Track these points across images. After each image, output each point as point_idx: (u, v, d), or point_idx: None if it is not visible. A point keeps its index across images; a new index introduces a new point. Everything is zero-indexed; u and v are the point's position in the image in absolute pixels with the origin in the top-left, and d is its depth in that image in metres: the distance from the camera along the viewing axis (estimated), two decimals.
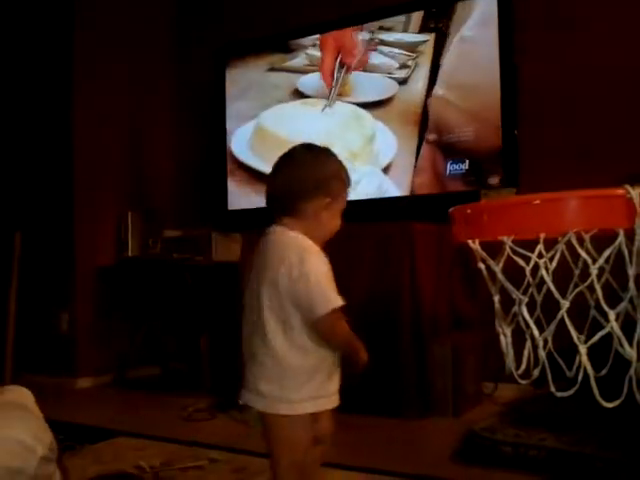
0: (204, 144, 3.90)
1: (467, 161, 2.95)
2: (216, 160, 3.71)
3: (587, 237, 0.95)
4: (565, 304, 0.92)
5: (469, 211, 1.05)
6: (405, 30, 3.16)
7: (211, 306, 3.42)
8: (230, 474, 2.08)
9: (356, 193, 3.25)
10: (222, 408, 2.89)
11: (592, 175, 2.50)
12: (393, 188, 3.14)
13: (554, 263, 0.96)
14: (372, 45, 3.24)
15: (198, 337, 3.45)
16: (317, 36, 3.39)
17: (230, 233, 3.46)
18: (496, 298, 1.04)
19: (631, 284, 0.90)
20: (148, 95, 4.03)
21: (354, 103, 3.29)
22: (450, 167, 3.00)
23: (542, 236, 0.94)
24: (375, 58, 3.23)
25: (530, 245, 0.97)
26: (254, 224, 3.48)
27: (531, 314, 0.99)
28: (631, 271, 0.90)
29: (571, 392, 0.93)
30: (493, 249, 1.03)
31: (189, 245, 3.61)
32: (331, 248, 2.95)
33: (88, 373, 3.62)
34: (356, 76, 3.29)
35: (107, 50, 3.78)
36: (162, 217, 3.92)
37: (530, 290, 0.99)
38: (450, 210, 1.11)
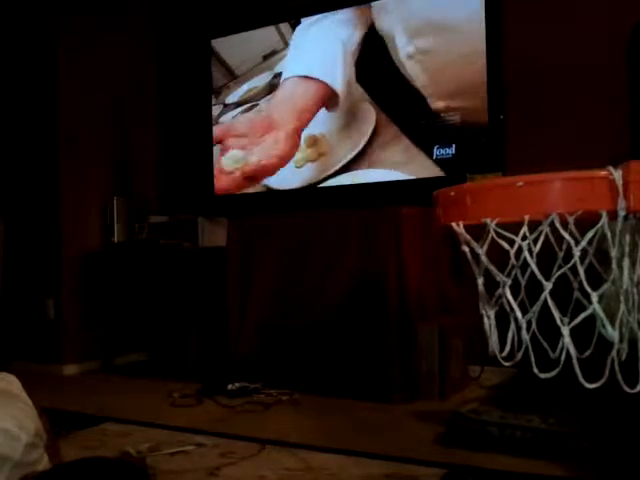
0: (190, 128, 3.88)
1: (454, 145, 2.96)
2: (202, 144, 3.69)
3: (571, 219, 0.95)
4: (548, 286, 0.92)
5: (453, 193, 1.05)
6: None
7: (198, 291, 3.41)
8: (217, 458, 2.08)
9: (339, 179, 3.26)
10: (208, 394, 2.89)
11: (580, 158, 2.50)
12: (381, 173, 3.14)
13: (538, 245, 0.96)
14: None
15: (185, 323, 3.45)
16: None
17: (217, 218, 3.45)
18: (480, 281, 1.05)
19: (614, 265, 0.90)
20: (132, 79, 3.99)
21: None
22: (437, 151, 3.00)
23: (526, 218, 0.94)
24: None
25: (514, 228, 0.97)
26: (241, 209, 3.53)
27: (516, 297, 1.00)
28: (613, 253, 0.90)
29: (554, 373, 0.94)
30: (478, 232, 1.03)
31: (176, 230, 3.59)
32: (319, 233, 2.98)
33: (75, 360, 3.60)
34: None
35: (90, 34, 3.73)
36: (148, 202, 3.90)
37: (514, 272, 0.99)
38: (434, 193, 1.11)
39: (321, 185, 3.33)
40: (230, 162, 3.62)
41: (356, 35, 3.22)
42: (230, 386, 2.91)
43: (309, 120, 3.34)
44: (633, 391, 0.89)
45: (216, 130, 3.67)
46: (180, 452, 2.16)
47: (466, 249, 1.04)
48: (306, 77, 3.39)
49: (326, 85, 3.31)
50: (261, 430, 2.35)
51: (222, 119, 3.66)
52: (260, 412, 2.67)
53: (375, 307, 2.75)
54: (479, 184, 1.02)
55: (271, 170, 3.46)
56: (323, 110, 3.31)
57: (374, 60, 3.17)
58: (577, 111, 2.87)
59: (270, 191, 3.50)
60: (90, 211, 3.71)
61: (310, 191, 3.35)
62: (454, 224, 1.04)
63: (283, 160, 3.43)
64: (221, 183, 3.66)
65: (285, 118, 3.43)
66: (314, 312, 2.93)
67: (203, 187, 3.69)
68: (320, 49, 3.36)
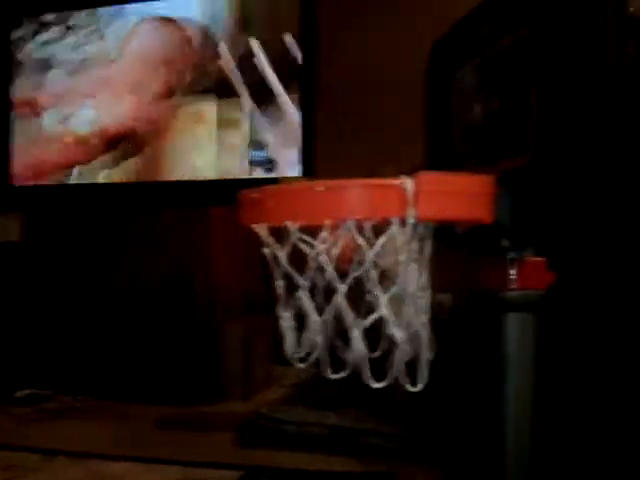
0: None
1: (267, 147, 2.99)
2: None
3: (367, 225, 0.98)
4: (341, 288, 0.94)
5: (256, 195, 1.04)
6: None
7: None
8: (1, 473, 1.92)
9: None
10: None
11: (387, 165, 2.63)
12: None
13: (336, 249, 0.98)
14: None
15: None
16: None
17: (9, 212, 3.18)
18: (280, 283, 1.05)
19: (401, 270, 0.95)
20: None
21: None
22: (252, 154, 3.01)
23: (327, 223, 0.96)
24: None
25: (317, 231, 0.98)
26: (41, 202, 3.27)
27: (316, 298, 1.01)
28: (402, 258, 0.95)
29: (344, 374, 0.97)
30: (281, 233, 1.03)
31: None
32: (128, 233, 2.88)
33: None
34: None
35: None
36: None
37: (311, 275, 1.00)
38: (238, 193, 1.10)
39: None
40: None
41: None
42: (19, 393, 2.70)
43: None
44: (415, 390, 0.94)
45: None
46: None
47: (266, 251, 1.04)
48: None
49: None
50: (51, 440, 2.20)
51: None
52: (49, 420, 2.49)
53: (182, 307, 2.71)
54: (282, 187, 1.03)
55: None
56: None
57: None
58: (384, 122, 3.01)
59: (75, 185, 3.27)
60: None
61: (119, 188, 3.19)
62: (255, 225, 1.03)
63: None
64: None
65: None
66: (120, 314, 2.82)
67: None
68: None
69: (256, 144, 2.99)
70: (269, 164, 2.99)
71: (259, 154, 2.99)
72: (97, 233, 2.93)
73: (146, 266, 2.80)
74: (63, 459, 2.02)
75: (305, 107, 2.92)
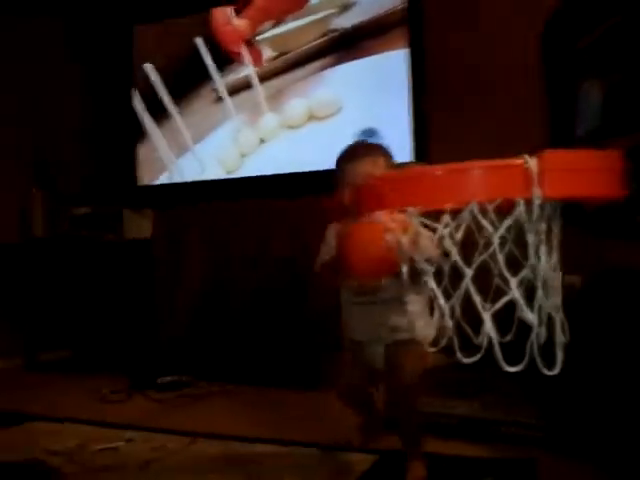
0: (114, 116, 3.76)
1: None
2: (125, 134, 3.59)
3: (490, 207, 0.96)
4: (469, 273, 0.93)
5: (375, 181, 1.05)
6: None
7: (123, 285, 3.33)
8: (148, 453, 2.05)
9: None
10: (138, 388, 2.84)
11: (500, 151, 2.56)
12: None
13: (460, 233, 0.97)
14: None
15: (111, 316, 3.36)
16: None
17: (141, 209, 3.37)
18: (404, 269, 1.05)
19: (531, 252, 0.92)
20: (51, 66, 3.83)
21: None
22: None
23: (448, 207, 0.95)
24: None
25: (437, 216, 0.98)
26: (165, 200, 3.44)
27: (440, 284, 1.01)
28: (530, 240, 0.92)
29: (476, 358, 0.95)
30: None
31: (99, 222, 3.49)
32: (245, 222, 2.94)
33: None
34: None
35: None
36: (70, 194, 3.76)
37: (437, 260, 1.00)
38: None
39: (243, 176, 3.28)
40: None
41: None
42: (160, 380, 2.87)
43: None
44: (551, 373, 0.91)
45: None
46: (109, 448, 2.11)
47: (389, 237, 1.05)
48: None
49: None
50: (192, 423, 2.33)
51: None
52: (190, 405, 2.64)
53: (305, 296, 2.76)
54: (401, 173, 1.02)
55: None
56: None
57: None
58: (497, 105, 2.92)
59: (196, 182, 3.41)
60: (5, 203, 3.56)
61: (234, 181, 3.29)
62: (378, 213, 1.04)
63: None
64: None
65: None
66: (242, 303, 2.92)
67: (126, 177, 3.57)
68: None
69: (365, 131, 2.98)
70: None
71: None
72: (217, 223, 3.02)
73: (265, 255, 2.86)
74: (204, 441, 2.14)
75: (416, 90, 2.88)
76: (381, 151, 1.73)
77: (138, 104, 3.51)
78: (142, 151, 3.54)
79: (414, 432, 1.72)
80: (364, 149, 1.77)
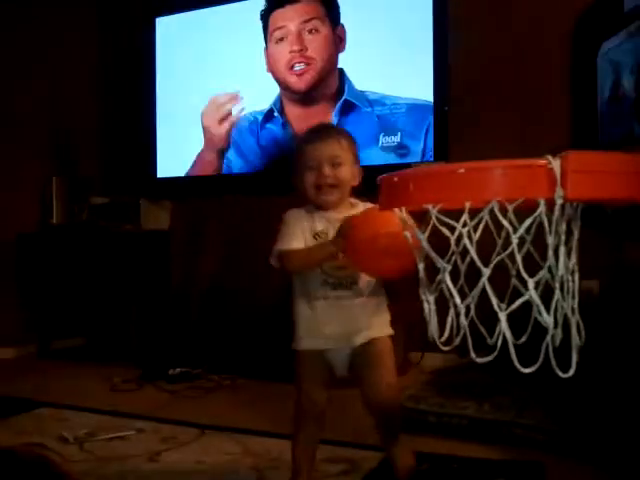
0: (133, 108, 3.78)
1: (399, 133, 2.97)
2: (144, 126, 3.61)
3: (510, 207, 0.95)
4: (486, 272, 0.92)
5: (396, 179, 1.04)
6: None
7: (139, 275, 3.35)
8: (157, 443, 2.06)
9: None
10: (149, 378, 2.86)
11: (522, 150, 2.55)
12: None
13: (478, 232, 0.96)
14: None
15: (125, 307, 3.38)
16: None
17: (159, 201, 3.38)
18: (421, 266, 1.05)
19: (550, 253, 0.92)
20: (69, 56, 3.86)
21: None
22: (383, 139, 3.00)
23: (467, 205, 0.95)
24: None
25: (455, 214, 0.97)
26: (184, 192, 3.46)
27: (455, 283, 1.00)
28: (550, 241, 0.91)
29: (490, 358, 0.95)
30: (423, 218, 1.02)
31: (117, 212, 3.52)
32: (264, 217, 2.95)
33: (10, 343, 3.50)
34: None
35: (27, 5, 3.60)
36: (89, 183, 3.79)
37: (454, 259, 0.99)
38: (378, 178, 1.10)
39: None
40: None
41: None
42: (171, 371, 2.88)
43: None
44: (566, 376, 0.91)
45: None
46: (119, 437, 2.13)
47: (407, 235, 1.05)
48: None
49: None
50: (202, 415, 2.34)
51: None
52: (201, 397, 2.65)
53: None
54: (422, 170, 1.02)
55: None
56: None
57: None
58: (519, 104, 2.91)
59: (215, 176, 3.42)
60: (26, 192, 3.60)
61: (257, 176, 3.29)
62: (396, 210, 1.04)
63: None
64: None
65: None
66: (257, 297, 2.92)
67: (146, 169, 3.59)
68: None
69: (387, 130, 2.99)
70: (402, 149, 2.97)
71: (391, 140, 2.98)
72: (235, 218, 3.03)
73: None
74: (213, 433, 2.14)
75: (436, 91, 2.88)
76: (344, 133, 1.67)
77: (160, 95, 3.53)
78: (161, 143, 3.56)
79: (400, 424, 1.66)
80: (328, 130, 1.70)
